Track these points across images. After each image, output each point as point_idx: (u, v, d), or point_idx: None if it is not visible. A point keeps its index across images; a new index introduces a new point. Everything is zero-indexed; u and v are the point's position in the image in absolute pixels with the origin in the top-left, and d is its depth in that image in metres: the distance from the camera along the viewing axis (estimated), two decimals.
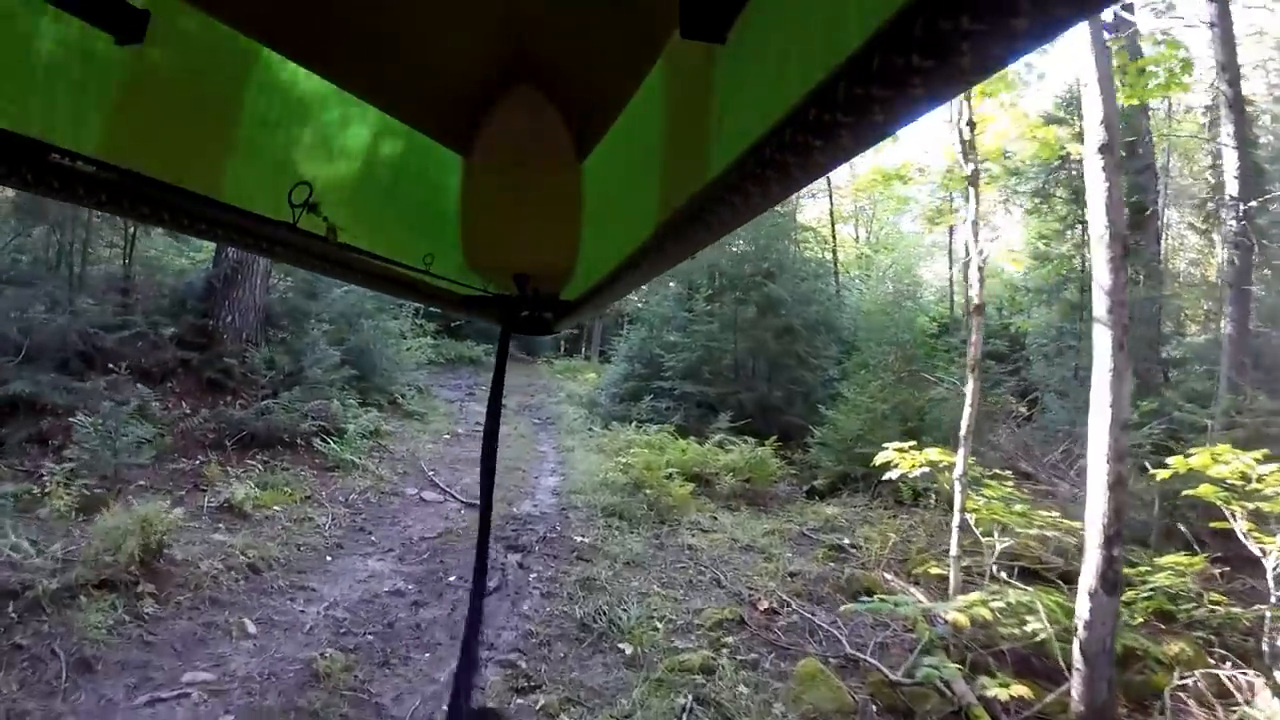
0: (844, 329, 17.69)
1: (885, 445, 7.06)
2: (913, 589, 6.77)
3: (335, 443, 9.28)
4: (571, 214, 1.40)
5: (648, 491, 9.46)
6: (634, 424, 13.94)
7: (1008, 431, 11.07)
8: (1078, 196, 13.06)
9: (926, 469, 6.58)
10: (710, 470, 10.71)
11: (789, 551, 8.13)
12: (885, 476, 6.92)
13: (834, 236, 27.95)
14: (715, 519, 9.41)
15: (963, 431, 6.31)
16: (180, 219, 0.94)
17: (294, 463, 9.14)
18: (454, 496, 9.05)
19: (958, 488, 6.21)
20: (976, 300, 6.91)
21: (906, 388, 12.55)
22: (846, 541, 8.42)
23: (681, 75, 0.85)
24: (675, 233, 0.81)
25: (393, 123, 1.26)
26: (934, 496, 9.35)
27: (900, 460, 6.76)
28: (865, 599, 5.71)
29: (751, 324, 14.82)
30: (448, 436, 13.20)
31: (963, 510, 6.18)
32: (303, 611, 5.70)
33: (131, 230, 10.71)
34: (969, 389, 6.38)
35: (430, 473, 10.00)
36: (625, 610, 6.01)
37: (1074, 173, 13.40)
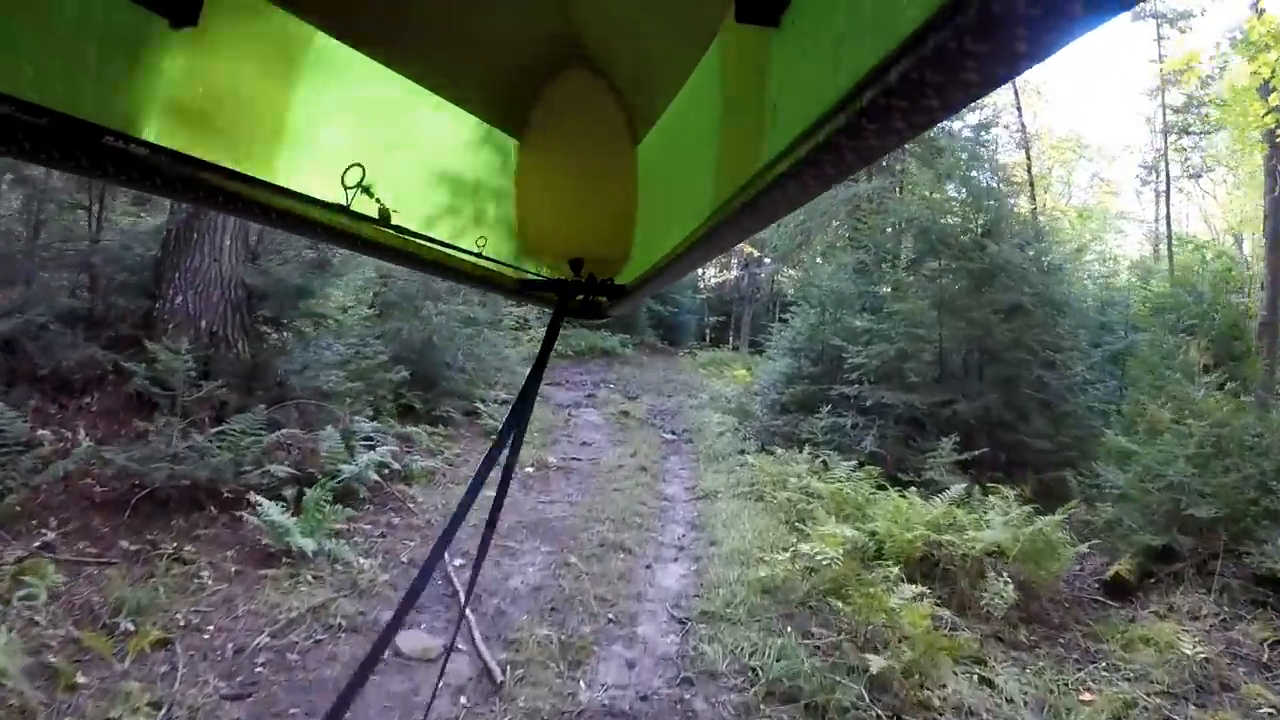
0: (1082, 311, 11.75)
1: None
2: None
3: (277, 512, 4.88)
4: (626, 197, 1.35)
5: (849, 609, 4.52)
6: (804, 447, 8.95)
7: None
8: None
9: None
10: (955, 553, 5.55)
11: None
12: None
13: (1034, 198, 21.22)
14: (991, 685, 4.33)
15: None
16: (234, 203, 0.89)
17: (206, 548, 4.88)
18: (477, 641, 4.41)
19: None
20: None
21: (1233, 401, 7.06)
22: None
23: (736, 59, 0.83)
24: (731, 217, 0.77)
25: (447, 105, 1.21)
26: None
27: None
28: None
29: (966, 301, 9.34)
30: (531, 470, 8.78)
31: None
32: None
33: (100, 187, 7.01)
34: None
35: (453, 566, 5.46)
36: None
37: None
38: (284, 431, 6.03)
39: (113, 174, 0.75)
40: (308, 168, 1.00)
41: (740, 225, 0.77)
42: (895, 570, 5.29)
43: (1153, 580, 6.33)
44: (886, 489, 7.39)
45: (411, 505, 7.00)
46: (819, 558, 5.24)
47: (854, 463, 8.56)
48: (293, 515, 5.15)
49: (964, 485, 6.57)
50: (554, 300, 1.45)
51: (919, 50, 0.37)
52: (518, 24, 1.09)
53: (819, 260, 13.91)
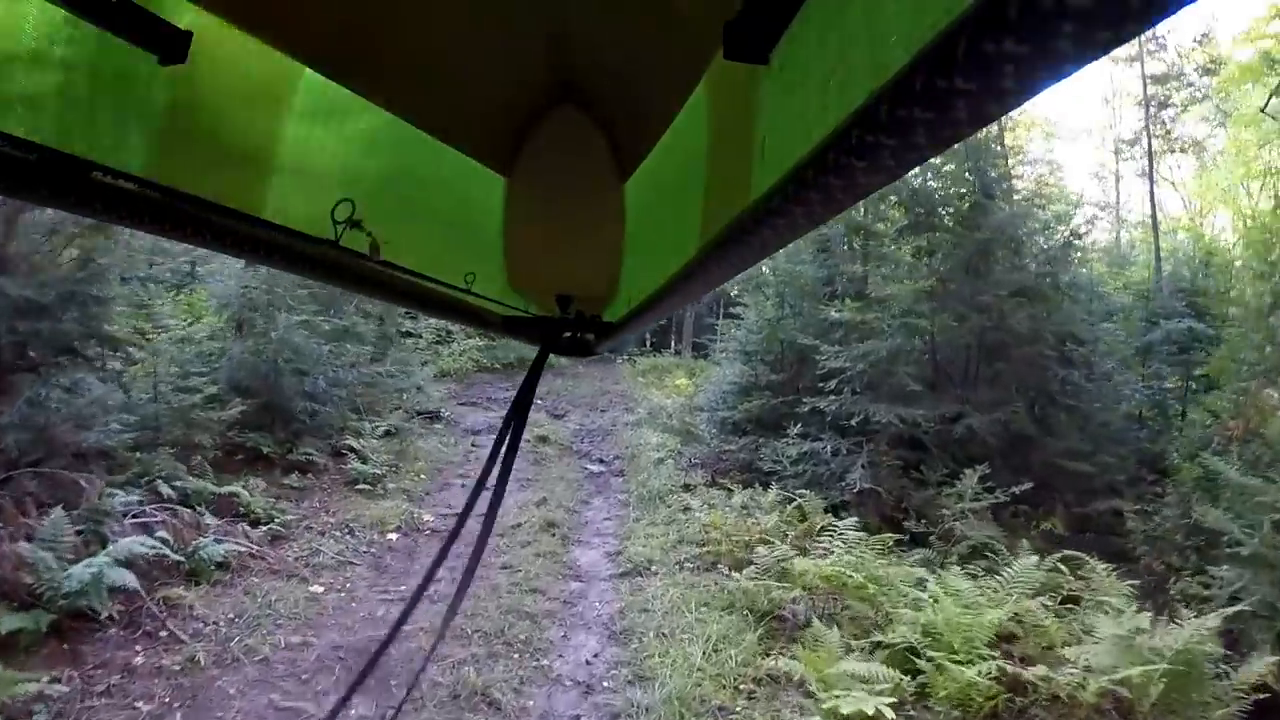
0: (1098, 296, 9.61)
1: None
2: None
3: None
4: (614, 235, 1.33)
5: None
6: (769, 483, 6.43)
7: None
8: None
9: None
10: (1048, 694, 3.03)
11: None
12: None
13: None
14: None
15: None
16: (223, 238, 0.88)
17: None
18: None
19: None
20: None
21: None
22: None
23: (724, 96, 0.82)
24: (718, 254, 0.74)
25: (435, 143, 1.17)
26: None
27: None
28: None
29: (966, 283, 7.02)
30: (394, 536, 6.09)
31: None
32: None
33: None
34: None
35: None
36: None
37: None
38: None
39: (101, 210, 0.75)
40: (296, 203, 0.99)
41: (728, 262, 0.74)
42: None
43: None
44: (898, 554, 4.92)
45: (182, 627, 4.20)
46: None
47: (844, 511, 6.09)
48: None
49: (1033, 559, 4.08)
50: (541, 337, 1.40)
51: (908, 88, 0.37)
52: (507, 62, 1.08)
53: None
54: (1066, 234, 8.50)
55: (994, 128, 8.74)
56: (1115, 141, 20.57)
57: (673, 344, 23.33)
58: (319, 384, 8.31)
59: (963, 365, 7.32)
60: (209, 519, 5.74)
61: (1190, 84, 17.54)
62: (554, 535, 6.14)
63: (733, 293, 10.81)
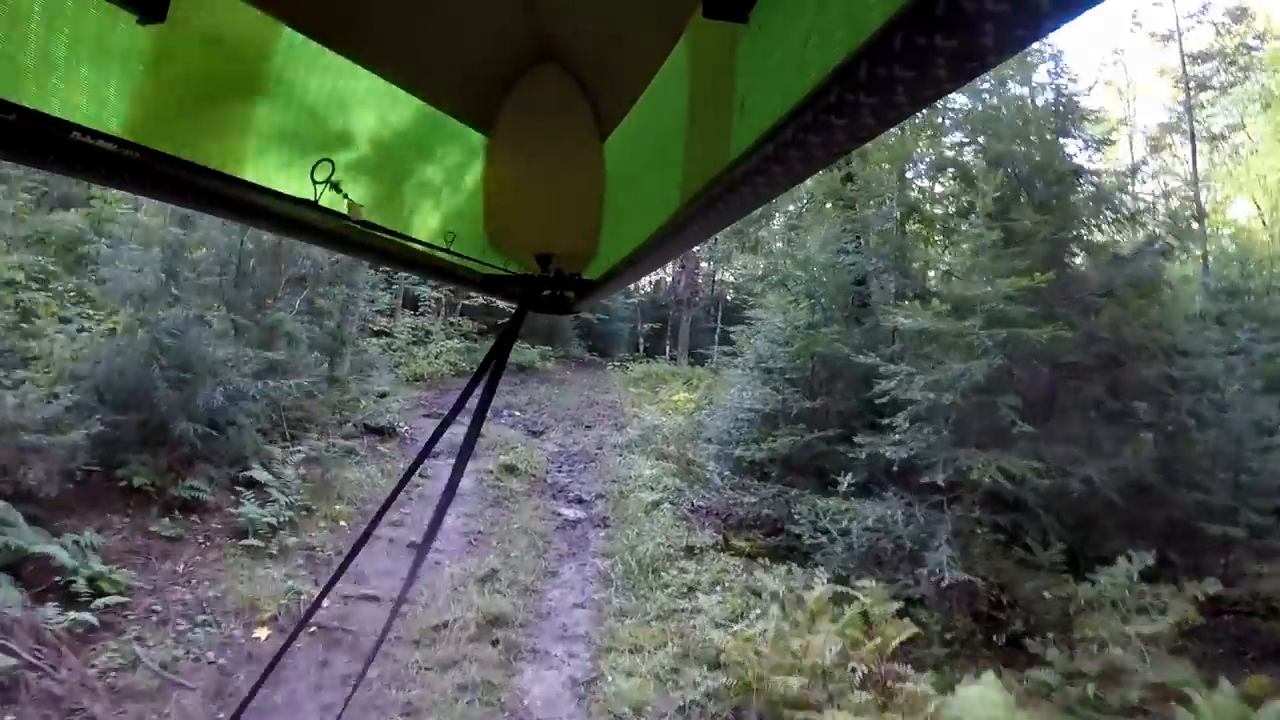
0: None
1: None
2: None
3: None
4: (594, 193, 1.30)
5: None
6: (807, 557, 4.36)
7: None
8: None
9: None
10: None
11: None
12: None
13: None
14: None
15: None
16: (203, 198, 0.87)
17: None
18: None
19: None
20: None
21: None
22: None
23: (704, 55, 0.79)
24: (698, 212, 0.72)
25: (415, 101, 1.16)
26: None
27: None
28: None
29: (1060, 280, 4.97)
30: (262, 636, 3.98)
31: None
32: None
33: None
34: None
35: None
36: None
37: None
38: None
39: (81, 169, 0.74)
40: (276, 163, 0.96)
41: (708, 220, 0.73)
42: None
43: None
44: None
45: None
46: None
47: (921, 608, 4.02)
48: None
49: None
50: (521, 295, 1.37)
51: (887, 46, 0.36)
52: (486, 20, 1.06)
53: (792, 234, 9.32)
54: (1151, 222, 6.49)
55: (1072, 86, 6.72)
56: (1157, 126, 18.48)
57: (668, 349, 21.24)
58: (214, 397, 6.18)
59: (1071, 392, 5.26)
60: None
61: (1232, 64, 15.54)
62: (496, 645, 4.02)
63: (755, 290, 8.72)
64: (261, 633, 4.26)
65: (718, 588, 4.73)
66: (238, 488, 5.97)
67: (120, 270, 6.19)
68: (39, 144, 0.68)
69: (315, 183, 0.92)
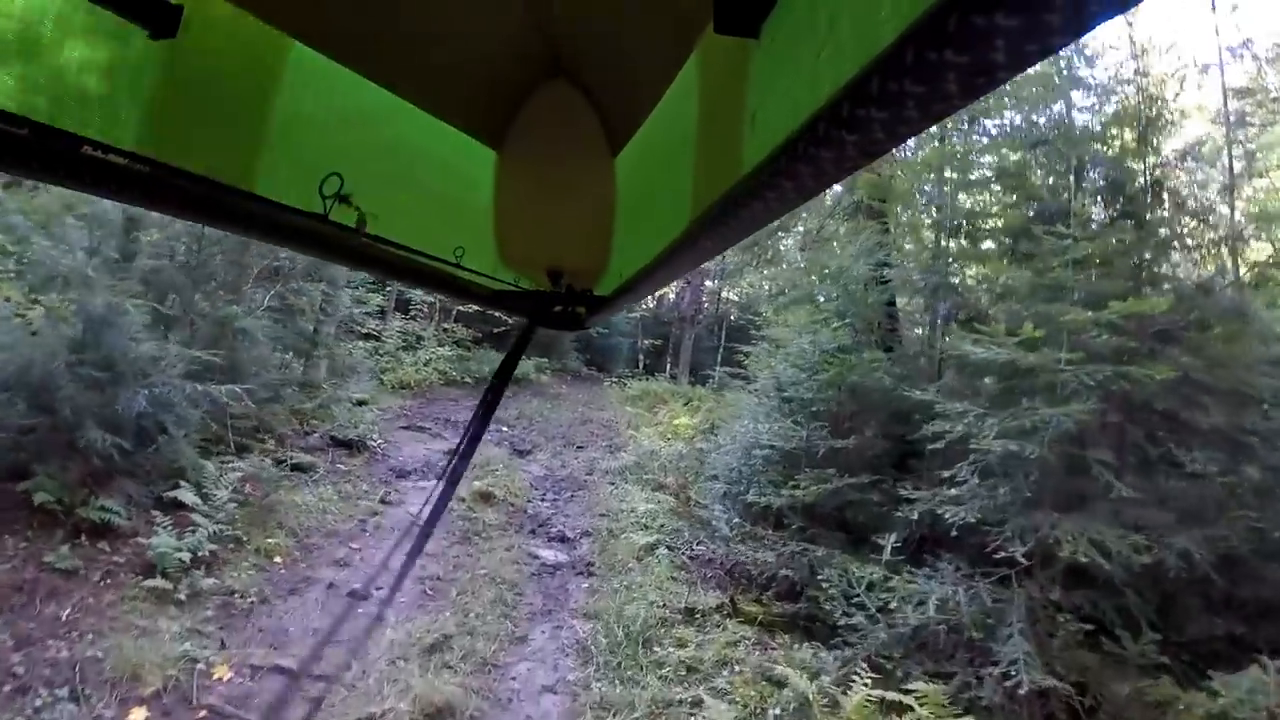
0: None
1: None
2: None
3: None
4: (605, 209, 1.29)
5: None
6: (838, 639, 3.37)
7: None
8: None
9: None
10: None
11: None
12: None
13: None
14: None
15: None
16: (213, 212, 0.89)
17: None
18: None
19: None
20: None
21: None
22: None
23: (715, 70, 0.79)
24: (709, 227, 0.73)
25: (426, 117, 1.15)
26: None
27: None
28: None
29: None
30: None
31: None
32: None
33: None
34: None
35: None
36: None
37: None
38: None
39: (92, 184, 0.74)
40: (286, 177, 0.95)
41: (719, 235, 0.73)
42: None
43: None
44: None
45: None
46: None
47: (984, 716, 3.05)
48: None
49: None
50: (531, 311, 1.35)
51: (899, 61, 0.36)
52: (496, 35, 1.05)
53: (818, 245, 8.36)
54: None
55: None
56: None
57: (668, 366, 20.29)
58: (136, 401, 5.22)
59: (1154, 443, 4.29)
60: None
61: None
62: None
63: (769, 307, 7.75)
64: (137, 715, 3.28)
65: (725, 670, 3.74)
66: (154, 511, 4.99)
67: (47, 251, 5.26)
68: (51, 159, 0.68)
69: (324, 197, 0.90)
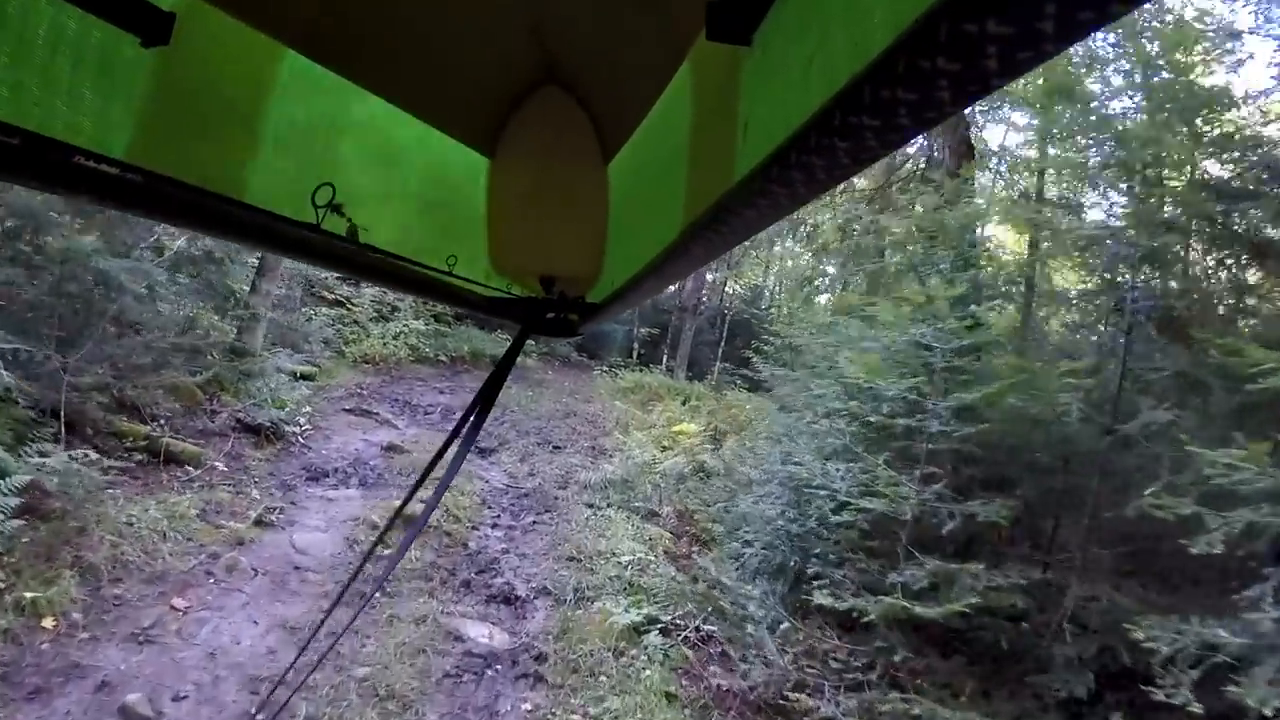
0: None
1: None
2: None
3: None
4: (597, 216, 1.28)
5: None
6: None
7: None
8: None
9: None
10: None
11: None
12: None
13: None
14: None
15: None
16: (205, 221, 0.87)
17: None
18: None
19: None
20: None
21: None
22: None
23: (707, 78, 0.79)
24: (702, 234, 0.72)
25: (418, 124, 1.14)
26: None
27: None
28: None
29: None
30: None
31: None
32: None
33: None
34: None
35: None
36: None
37: None
38: None
39: (84, 192, 0.72)
40: (278, 185, 0.94)
41: (711, 242, 0.73)
42: None
43: None
44: None
45: None
46: None
47: None
48: None
49: None
50: (523, 318, 1.34)
51: (891, 69, 0.36)
52: (489, 42, 1.03)
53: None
54: None
55: None
56: None
57: (664, 358, 18.29)
58: None
59: None
60: None
61: None
62: None
63: (799, 291, 5.73)
64: None
65: None
66: None
67: None
68: (42, 167, 0.67)
69: (317, 207, 0.90)
